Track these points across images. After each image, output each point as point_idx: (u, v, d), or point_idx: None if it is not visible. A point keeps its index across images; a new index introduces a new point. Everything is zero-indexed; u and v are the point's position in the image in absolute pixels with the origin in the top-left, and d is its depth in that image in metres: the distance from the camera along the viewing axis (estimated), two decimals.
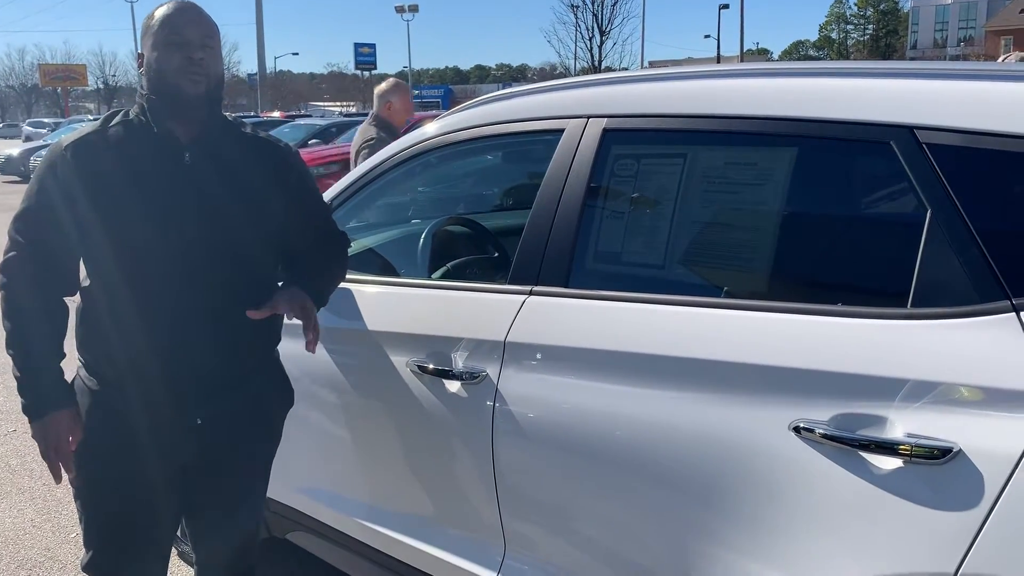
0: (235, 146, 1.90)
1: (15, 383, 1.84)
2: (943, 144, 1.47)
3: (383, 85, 4.86)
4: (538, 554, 1.94)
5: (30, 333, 1.81)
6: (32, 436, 1.84)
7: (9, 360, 1.83)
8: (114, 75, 76.80)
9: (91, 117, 30.66)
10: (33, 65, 73.89)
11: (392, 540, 2.25)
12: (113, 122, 1.83)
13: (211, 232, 1.82)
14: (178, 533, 2.72)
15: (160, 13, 1.80)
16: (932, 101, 1.52)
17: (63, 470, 1.84)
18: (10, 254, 1.81)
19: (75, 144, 1.79)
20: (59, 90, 59.74)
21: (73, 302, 1.88)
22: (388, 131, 4.60)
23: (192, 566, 2.59)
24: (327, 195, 2.48)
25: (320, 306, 2.03)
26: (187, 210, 1.79)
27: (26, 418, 1.85)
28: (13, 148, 23.98)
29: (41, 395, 1.81)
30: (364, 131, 4.71)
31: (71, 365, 1.88)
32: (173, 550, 2.68)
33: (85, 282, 1.87)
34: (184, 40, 1.76)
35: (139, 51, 1.84)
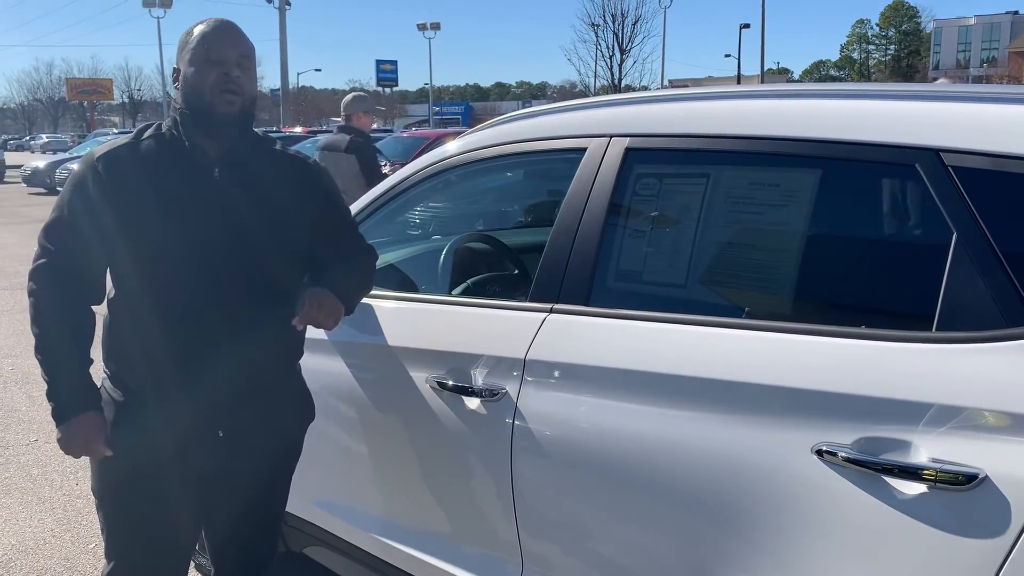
0: (264, 163, 1.92)
1: (39, 393, 1.86)
2: (969, 167, 1.46)
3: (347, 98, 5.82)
4: (555, 573, 1.93)
5: (57, 338, 1.83)
6: (59, 439, 1.85)
7: (31, 371, 1.85)
8: (139, 89, 77.96)
9: (115, 131, 31.05)
10: (60, 79, 75.14)
11: (409, 557, 2.24)
12: (145, 135, 1.86)
13: (237, 247, 1.83)
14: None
15: (199, 30, 1.82)
16: (958, 124, 1.52)
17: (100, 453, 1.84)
18: (39, 262, 1.84)
19: (106, 157, 1.81)
20: (85, 104, 60.62)
21: (100, 314, 1.90)
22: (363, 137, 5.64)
23: None
24: (351, 210, 2.49)
25: (351, 309, 2.03)
26: (213, 225, 1.81)
27: (49, 429, 1.86)
28: (39, 160, 24.31)
29: (68, 398, 1.83)
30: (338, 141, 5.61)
31: (98, 375, 1.89)
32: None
33: (111, 293, 1.89)
34: (221, 59, 1.79)
35: (175, 66, 1.87)
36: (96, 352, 1.89)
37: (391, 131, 25.40)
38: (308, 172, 2.01)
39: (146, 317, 1.82)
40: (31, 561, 3.21)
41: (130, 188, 1.79)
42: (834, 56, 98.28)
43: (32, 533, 3.44)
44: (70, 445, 1.83)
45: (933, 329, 1.44)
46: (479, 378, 2.01)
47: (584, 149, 2.03)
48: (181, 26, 1.89)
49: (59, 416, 1.83)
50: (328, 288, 1.91)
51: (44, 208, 17.08)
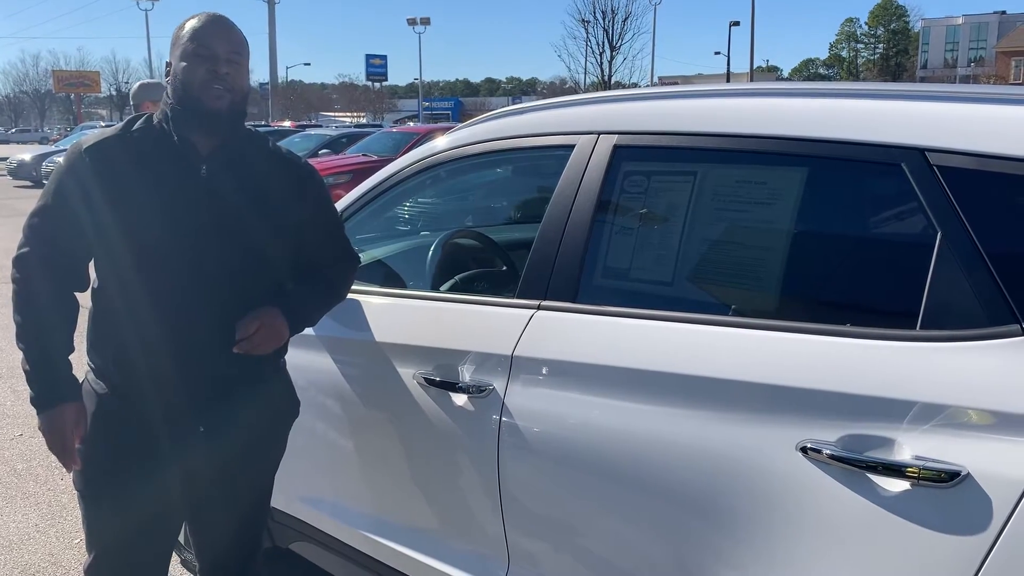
0: (255, 161, 1.91)
1: (23, 385, 1.85)
2: (954, 167, 1.47)
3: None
4: (541, 569, 1.93)
5: (41, 325, 1.82)
6: (39, 428, 1.85)
7: (16, 365, 1.85)
8: (127, 82, 77.37)
9: (102, 124, 30.86)
10: (47, 71, 74.73)
11: (395, 552, 2.24)
12: (135, 127, 1.84)
13: (223, 243, 1.83)
14: (180, 540, 2.72)
15: (190, 25, 1.81)
16: (944, 124, 1.53)
17: (71, 462, 1.85)
18: (23, 250, 1.83)
19: (94, 147, 1.80)
20: (72, 96, 60.20)
21: (85, 307, 1.89)
22: None
23: (194, 574, 2.59)
24: (338, 206, 2.49)
25: (304, 328, 2.04)
26: (200, 221, 1.80)
27: (34, 424, 1.86)
28: (25, 153, 24.12)
29: (50, 387, 1.82)
30: None
31: (80, 365, 1.88)
32: (175, 557, 2.68)
33: (95, 284, 1.88)
34: (211, 54, 1.77)
35: (167, 60, 1.86)
36: (78, 338, 1.88)
37: (380, 126, 25.33)
38: (300, 172, 2.00)
39: (130, 308, 1.81)
40: (15, 556, 3.20)
41: (118, 180, 1.78)
42: (823, 54, 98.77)
43: (16, 528, 3.42)
44: (52, 434, 1.83)
45: (917, 328, 1.45)
46: (466, 374, 2.01)
47: (572, 146, 2.03)
48: (169, 18, 1.87)
49: (42, 404, 1.82)
50: (282, 306, 1.91)
51: (30, 201, 16.93)
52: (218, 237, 1.82)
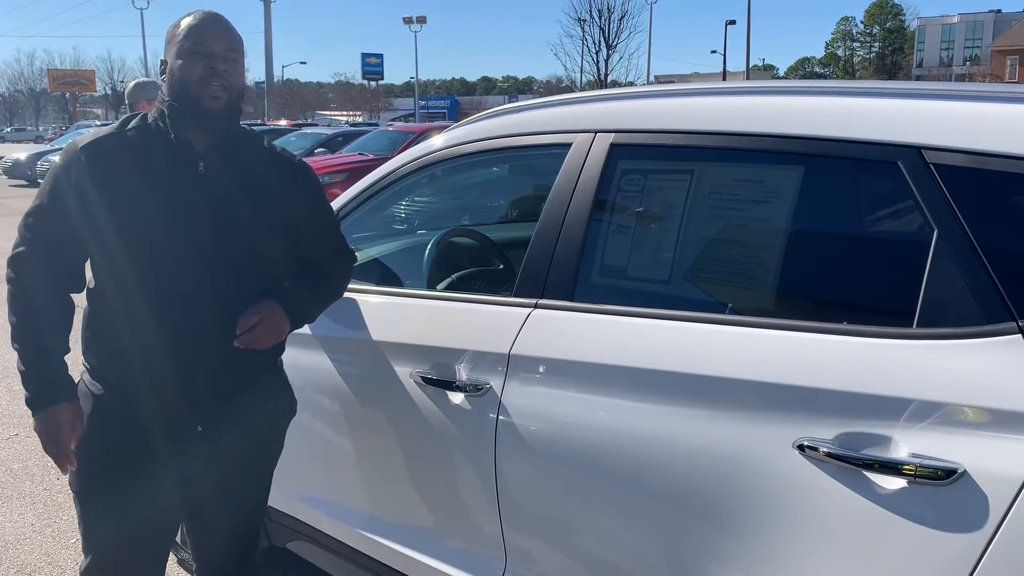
0: (250, 158, 1.91)
1: (18, 385, 1.84)
2: (950, 165, 1.47)
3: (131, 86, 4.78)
4: (539, 568, 1.93)
5: (37, 325, 1.81)
6: (34, 429, 1.85)
7: (11, 365, 1.84)
8: (122, 81, 77.15)
9: (98, 123, 30.77)
10: (42, 70, 74.58)
11: (392, 551, 2.24)
12: (130, 126, 1.84)
13: (220, 242, 1.82)
14: (178, 539, 2.72)
15: (186, 22, 1.81)
16: (940, 122, 1.53)
17: (66, 462, 1.85)
18: (19, 249, 1.82)
19: (90, 145, 1.80)
20: (67, 95, 60.10)
21: (80, 308, 1.88)
22: None
23: (191, 574, 2.59)
24: (334, 204, 2.49)
25: (304, 323, 2.04)
26: (196, 219, 1.80)
27: (30, 424, 1.85)
28: (20, 152, 24.05)
29: (45, 387, 1.82)
30: None
31: (75, 365, 1.88)
32: (172, 556, 2.68)
33: (91, 284, 1.87)
34: (208, 51, 1.77)
35: (163, 58, 1.85)
36: (73, 339, 1.88)
37: (377, 125, 25.32)
38: (295, 170, 2.00)
39: (129, 309, 1.80)
40: (11, 556, 3.19)
41: (115, 178, 1.77)
42: (819, 53, 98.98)
43: (12, 528, 3.42)
44: (47, 435, 1.82)
45: (914, 325, 1.45)
46: (463, 373, 2.01)
47: (569, 144, 2.03)
48: (165, 17, 1.86)
49: (37, 404, 1.81)
50: (282, 301, 1.91)
51: (25, 200, 16.90)
52: (216, 234, 1.82)
